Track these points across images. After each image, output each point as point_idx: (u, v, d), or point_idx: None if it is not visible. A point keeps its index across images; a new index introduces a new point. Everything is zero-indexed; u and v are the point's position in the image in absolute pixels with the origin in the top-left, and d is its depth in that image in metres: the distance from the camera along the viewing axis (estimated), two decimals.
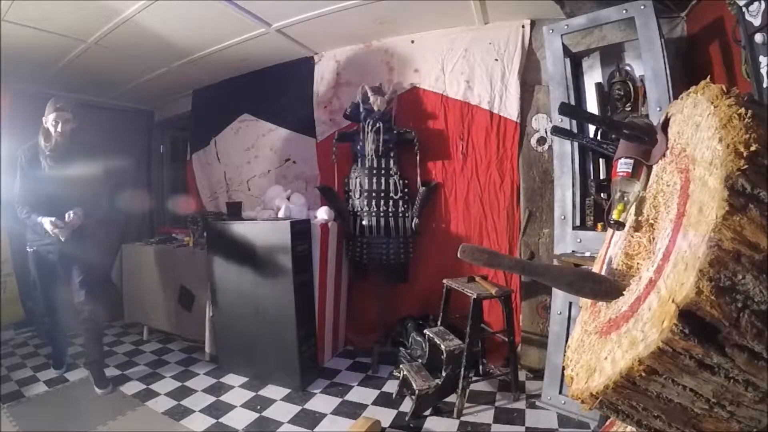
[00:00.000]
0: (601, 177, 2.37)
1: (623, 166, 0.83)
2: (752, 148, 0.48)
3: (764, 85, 1.57)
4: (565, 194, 2.26)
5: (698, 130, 0.62)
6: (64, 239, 2.34)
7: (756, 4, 1.57)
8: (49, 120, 2.40)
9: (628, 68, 2.40)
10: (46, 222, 2.31)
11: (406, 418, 2.17)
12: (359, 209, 3.05)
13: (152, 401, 2.42)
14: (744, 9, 1.63)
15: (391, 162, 3.03)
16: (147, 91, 4.18)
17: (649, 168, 0.82)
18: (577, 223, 2.26)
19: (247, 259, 2.66)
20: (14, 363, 2.94)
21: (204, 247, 3.04)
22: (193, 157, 4.36)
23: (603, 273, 0.85)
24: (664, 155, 0.76)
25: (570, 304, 2.15)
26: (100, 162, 2.63)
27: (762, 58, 1.57)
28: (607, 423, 1.03)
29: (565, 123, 2.13)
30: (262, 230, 2.63)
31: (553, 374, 2.22)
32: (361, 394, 2.50)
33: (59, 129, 2.39)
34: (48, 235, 2.36)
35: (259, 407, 2.35)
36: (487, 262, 0.74)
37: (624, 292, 0.69)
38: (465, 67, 3.00)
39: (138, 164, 4.76)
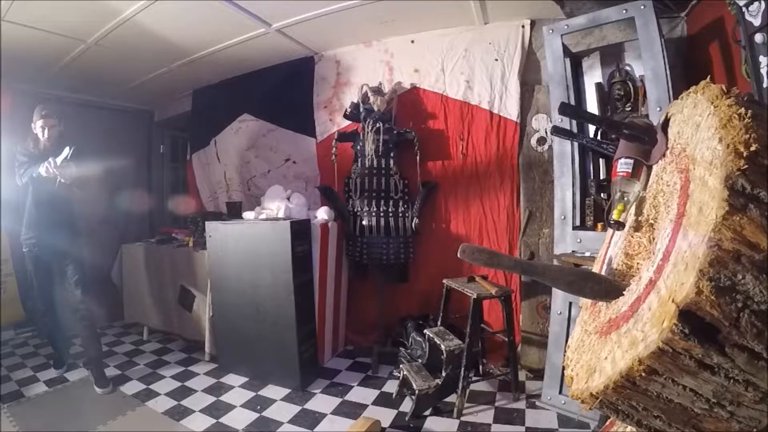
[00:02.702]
0: (601, 177, 2.37)
1: (623, 166, 0.82)
2: (752, 148, 0.48)
3: (764, 85, 1.57)
4: (565, 194, 2.26)
5: (698, 130, 0.62)
6: (65, 180, 2.38)
7: (756, 4, 1.57)
8: (36, 126, 2.52)
9: (628, 68, 2.40)
10: (42, 167, 2.35)
11: (406, 418, 2.17)
12: (359, 209, 3.05)
13: (152, 401, 2.42)
14: (744, 9, 1.63)
15: (391, 162, 3.03)
16: (147, 91, 4.18)
17: (649, 168, 0.82)
18: (577, 223, 2.26)
19: (247, 259, 2.66)
20: (14, 363, 2.94)
21: (204, 247, 3.04)
22: (193, 157, 4.36)
23: (603, 273, 0.85)
24: (664, 155, 0.76)
25: (570, 304, 2.15)
26: (92, 161, 2.65)
27: (762, 58, 1.57)
28: (607, 423, 1.03)
29: (565, 123, 2.13)
30: (262, 230, 2.63)
31: (553, 374, 2.22)
32: (361, 394, 2.50)
33: (46, 134, 2.50)
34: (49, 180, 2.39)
35: (259, 407, 2.35)
36: (487, 262, 0.74)
37: (624, 292, 0.69)
38: (465, 67, 3.00)
39: (138, 164, 4.76)
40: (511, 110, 2.87)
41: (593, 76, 2.52)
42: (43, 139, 2.51)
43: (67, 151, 2.33)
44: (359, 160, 3.07)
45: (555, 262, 2.19)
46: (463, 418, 2.17)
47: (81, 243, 2.69)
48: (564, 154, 2.26)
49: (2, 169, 2.87)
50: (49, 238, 2.52)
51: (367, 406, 2.36)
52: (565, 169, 2.26)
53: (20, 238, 2.62)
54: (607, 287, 0.72)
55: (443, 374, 2.20)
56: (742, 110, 0.53)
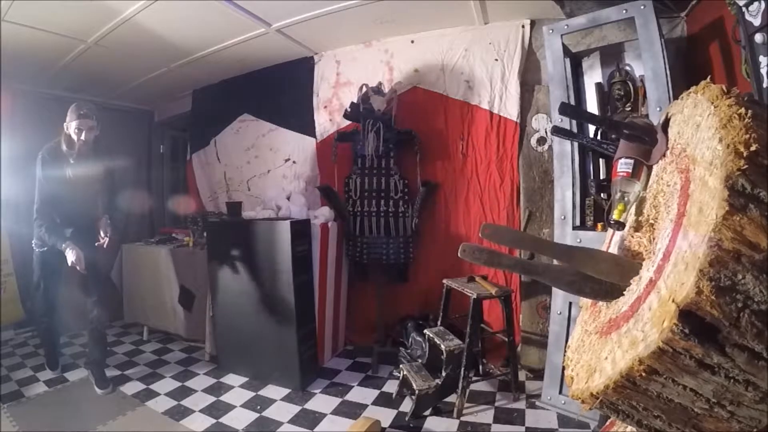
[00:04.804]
0: (601, 177, 2.37)
1: (623, 166, 0.82)
2: (752, 148, 0.48)
3: (764, 85, 1.57)
4: (565, 194, 2.26)
5: (698, 130, 0.62)
6: (82, 270, 2.29)
7: (756, 4, 1.57)
8: (71, 127, 2.31)
9: (628, 68, 2.39)
10: (69, 253, 2.24)
11: (406, 418, 2.17)
12: (359, 209, 3.04)
13: (152, 401, 2.42)
14: (744, 9, 1.63)
15: (391, 162, 3.03)
16: (147, 91, 4.18)
17: (650, 168, 0.82)
18: (577, 223, 2.25)
19: (247, 259, 2.66)
20: (14, 363, 2.93)
21: (204, 247, 3.04)
22: (193, 157, 4.36)
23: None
24: (664, 155, 0.76)
25: (570, 304, 2.15)
26: (122, 169, 2.60)
27: (762, 58, 1.57)
28: (607, 423, 1.03)
29: (565, 123, 2.13)
30: (262, 230, 2.63)
31: (553, 374, 2.22)
32: (361, 394, 2.50)
33: (83, 137, 2.30)
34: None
35: (259, 407, 2.35)
36: (487, 261, 0.74)
37: (624, 292, 0.69)
38: (465, 67, 3.00)
39: (138, 164, 4.76)
40: (511, 110, 2.87)
41: (593, 76, 2.52)
42: (78, 141, 2.30)
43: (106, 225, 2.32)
44: (359, 160, 3.07)
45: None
46: (463, 418, 2.17)
47: (96, 247, 2.66)
48: (564, 154, 2.26)
49: (2, 169, 2.86)
50: (71, 241, 2.39)
51: (367, 406, 2.36)
52: (565, 169, 2.26)
53: (33, 233, 2.46)
54: (607, 287, 0.72)
55: (443, 374, 2.20)
56: (742, 110, 0.53)
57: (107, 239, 2.35)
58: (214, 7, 2.58)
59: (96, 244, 2.34)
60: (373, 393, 2.50)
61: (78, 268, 2.26)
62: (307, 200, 3.15)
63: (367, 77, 3.22)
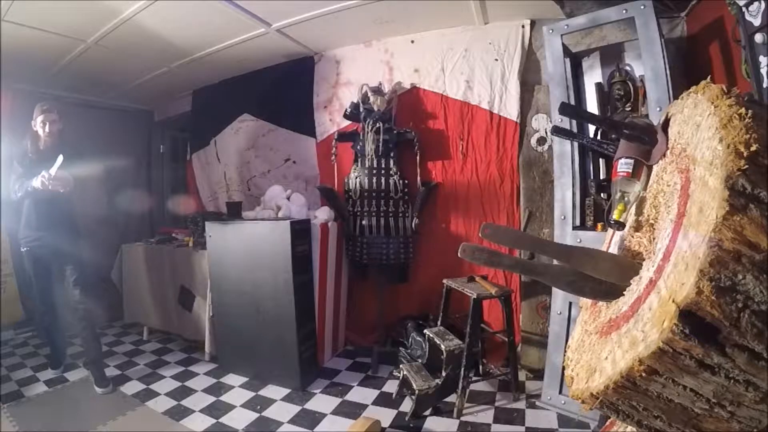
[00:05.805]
0: (601, 177, 2.37)
1: (623, 166, 0.82)
2: (752, 148, 0.48)
3: (764, 85, 1.57)
4: (565, 194, 2.25)
5: (699, 130, 0.62)
6: (51, 183, 2.27)
7: (756, 4, 1.56)
8: (37, 122, 2.49)
9: (628, 68, 2.39)
10: (35, 181, 2.29)
11: (406, 418, 2.17)
12: (359, 209, 3.05)
13: (152, 401, 2.42)
14: (744, 9, 1.63)
15: (391, 162, 3.03)
16: (147, 91, 4.18)
17: (650, 168, 0.82)
18: (577, 223, 2.25)
19: (247, 259, 2.66)
20: (14, 363, 2.94)
21: (204, 247, 3.04)
22: (193, 157, 4.36)
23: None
24: (664, 155, 0.76)
25: (570, 304, 2.15)
26: (90, 161, 2.66)
27: (762, 58, 1.57)
28: (607, 423, 1.03)
29: (565, 123, 2.12)
30: (262, 230, 2.63)
31: (553, 374, 2.22)
32: (361, 394, 2.50)
33: (47, 129, 2.49)
34: (40, 192, 2.34)
35: (259, 407, 2.35)
36: (487, 261, 0.74)
37: (624, 292, 0.69)
38: (465, 67, 3.00)
39: (138, 164, 4.77)
40: (511, 110, 2.87)
41: (593, 76, 2.52)
42: (44, 135, 2.48)
43: (59, 160, 2.26)
44: (359, 160, 3.07)
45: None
46: (463, 418, 2.17)
47: (80, 243, 2.69)
48: (564, 154, 2.26)
49: (2, 169, 2.87)
50: (49, 237, 2.52)
51: (367, 406, 2.36)
52: (565, 169, 2.25)
53: (19, 236, 2.61)
54: (607, 287, 0.72)
55: (443, 374, 2.20)
56: (743, 110, 0.53)
57: (49, 174, 2.28)
58: (214, 7, 2.58)
59: (42, 178, 2.30)
60: (373, 393, 2.50)
61: (50, 186, 2.27)
62: (307, 200, 3.15)
63: (367, 77, 3.22)
